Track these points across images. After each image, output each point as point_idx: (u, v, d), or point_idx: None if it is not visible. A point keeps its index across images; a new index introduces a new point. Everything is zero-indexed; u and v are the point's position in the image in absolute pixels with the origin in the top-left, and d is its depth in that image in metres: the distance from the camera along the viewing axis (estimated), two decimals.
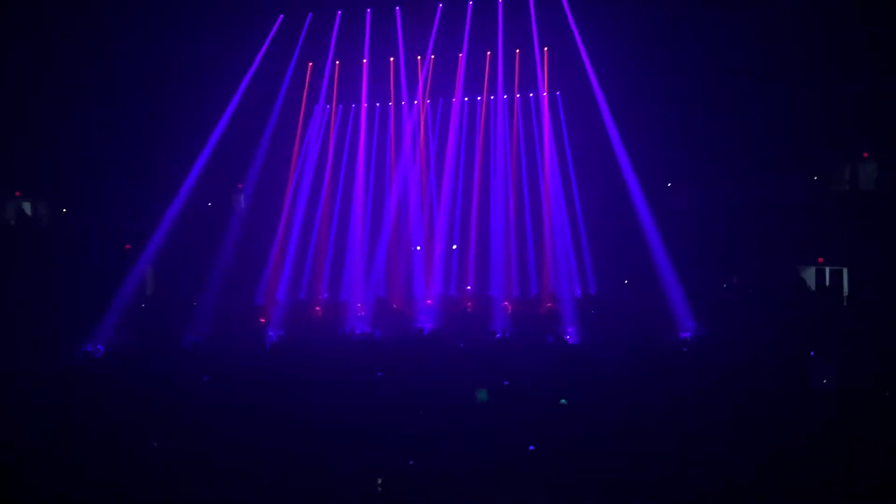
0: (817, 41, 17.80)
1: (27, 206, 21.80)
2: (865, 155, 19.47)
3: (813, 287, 20.11)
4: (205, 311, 18.45)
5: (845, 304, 18.87)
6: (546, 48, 21.68)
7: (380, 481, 7.95)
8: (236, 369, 13.05)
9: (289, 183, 22.90)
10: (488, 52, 22.70)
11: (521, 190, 24.13)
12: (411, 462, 8.39)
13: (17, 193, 21.48)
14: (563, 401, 10.43)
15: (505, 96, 23.23)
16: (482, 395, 10.82)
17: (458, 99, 23.44)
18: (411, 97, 23.27)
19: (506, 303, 20.13)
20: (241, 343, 16.20)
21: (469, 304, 21.68)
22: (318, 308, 21.66)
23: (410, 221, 23.51)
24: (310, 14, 21.26)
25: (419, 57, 22.88)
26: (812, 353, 12.16)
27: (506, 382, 11.75)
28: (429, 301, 21.11)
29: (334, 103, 24.09)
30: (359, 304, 20.65)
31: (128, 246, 20.04)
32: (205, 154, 20.48)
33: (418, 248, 23.36)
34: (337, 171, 24.12)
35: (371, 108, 24.62)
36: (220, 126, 20.68)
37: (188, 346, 15.91)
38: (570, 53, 20.45)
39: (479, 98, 24.16)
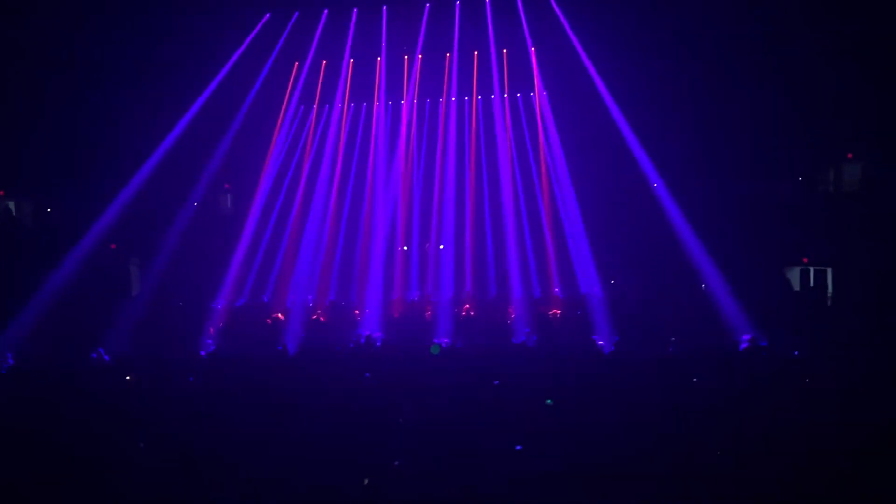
0: (802, 42, 17.93)
1: (11, 206, 21.65)
2: (850, 156, 19.62)
3: (797, 287, 20.26)
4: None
5: (829, 303, 19.02)
6: (532, 48, 21.70)
7: (366, 481, 7.91)
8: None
9: (260, 183, 22.68)
10: (475, 53, 22.71)
11: (516, 190, 24.04)
12: (396, 463, 8.34)
13: (1, 193, 21.32)
14: (548, 401, 10.38)
15: (491, 96, 23.25)
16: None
17: (446, 99, 23.46)
18: (398, 97, 23.27)
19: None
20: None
21: (467, 307, 21.29)
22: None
23: (397, 222, 23.43)
24: (296, 13, 21.21)
25: (406, 56, 22.87)
26: (796, 353, 12.23)
27: (496, 382, 11.68)
28: (427, 313, 20.48)
29: (317, 103, 23.99)
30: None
31: (112, 246, 19.88)
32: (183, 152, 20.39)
33: (405, 248, 23.31)
34: (315, 172, 23.81)
35: (357, 108, 24.59)
36: (198, 124, 20.58)
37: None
38: (561, 51, 20.50)
39: (466, 98, 24.15)
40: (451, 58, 22.09)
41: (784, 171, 20.15)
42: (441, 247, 24.15)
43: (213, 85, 20.61)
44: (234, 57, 20.87)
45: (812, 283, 20.14)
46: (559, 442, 8.61)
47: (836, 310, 18.44)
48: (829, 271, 19.69)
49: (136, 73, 19.51)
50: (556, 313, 19.66)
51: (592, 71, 20.20)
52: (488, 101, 23.43)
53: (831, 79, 17.90)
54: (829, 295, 19.42)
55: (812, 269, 20.21)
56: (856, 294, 17.72)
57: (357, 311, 19.81)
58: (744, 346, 14.53)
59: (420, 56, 22.28)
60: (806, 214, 19.13)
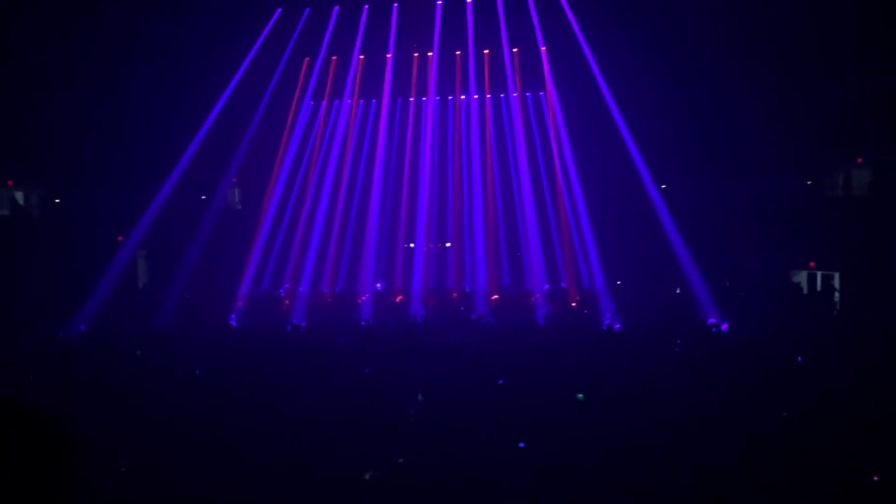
0: (813, 43, 17.83)
1: (20, 196, 21.70)
2: (860, 161, 19.51)
3: (805, 291, 20.16)
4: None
5: (837, 308, 18.92)
6: (543, 47, 21.68)
7: (367, 476, 7.90)
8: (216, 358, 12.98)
9: (273, 177, 22.86)
10: (486, 51, 22.68)
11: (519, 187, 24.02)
12: (401, 460, 8.32)
13: (10, 183, 21.36)
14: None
15: (506, 95, 23.27)
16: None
17: (461, 96, 23.57)
18: (409, 93, 23.31)
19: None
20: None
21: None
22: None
23: (402, 217, 23.56)
24: (307, 9, 21.23)
25: (416, 54, 22.86)
26: (799, 359, 12.16)
27: (500, 381, 11.68)
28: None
29: (326, 98, 24.02)
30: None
31: (120, 238, 19.93)
32: (195, 146, 20.52)
33: (411, 245, 23.34)
34: (325, 167, 23.87)
35: (367, 103, 24.62)
36: (211, 118, 20.69)
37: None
38: (572, 52, 20.50)
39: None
40: (462, 55, 22.09)
41: (793, 174, 20.05)
42: (448, 244, 24.18)
43: (232, 83, 20.83)
44: (250, 55, 20.98)
45: (819, 287, 20.04)
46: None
47: (843, 313, 18.36)
48: (837, 276, 19.59)
49: (149, 69, 19.57)
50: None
51: (604, 71, 20.25)
52: (510, 99, 23.39)
53: (842, 82, 17.81)
54: (837, 299, 19.32)
55: (819, 273, 20.12)
56: (863, 298, 17.62)
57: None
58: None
59: (430, 54, 22.27)
60: (814, 218, 19.02)
